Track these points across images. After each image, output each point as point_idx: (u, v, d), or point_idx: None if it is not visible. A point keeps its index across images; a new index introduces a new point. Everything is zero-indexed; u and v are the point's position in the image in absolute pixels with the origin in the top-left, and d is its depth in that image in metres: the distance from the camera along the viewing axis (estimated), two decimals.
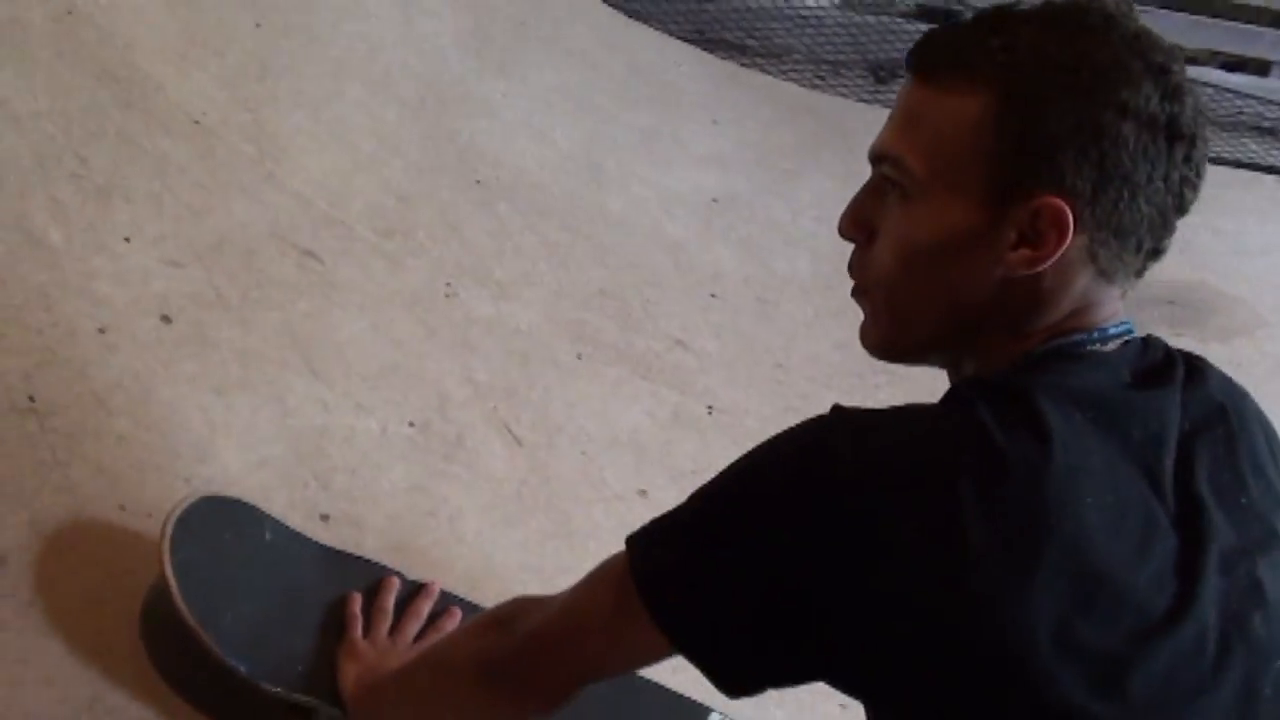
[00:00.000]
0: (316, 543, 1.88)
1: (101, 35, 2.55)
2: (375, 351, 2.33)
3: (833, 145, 4.05)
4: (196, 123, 2.53)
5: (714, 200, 3.44)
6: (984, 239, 1.24)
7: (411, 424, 2.25)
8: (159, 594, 1.66)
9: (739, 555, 1.18)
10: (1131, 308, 1.31)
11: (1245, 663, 1.17)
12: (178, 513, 1.72)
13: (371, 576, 1.87)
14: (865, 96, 5.04)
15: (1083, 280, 1.26)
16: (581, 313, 2.76)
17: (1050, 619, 1.09)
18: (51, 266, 2.05)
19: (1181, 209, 1.26)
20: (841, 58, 5.09)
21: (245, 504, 1.83)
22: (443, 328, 2.49)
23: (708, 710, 1.99)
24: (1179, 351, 1.33)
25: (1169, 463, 1.22)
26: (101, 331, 2.00)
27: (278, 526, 1.85)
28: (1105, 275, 1.26)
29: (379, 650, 1.75)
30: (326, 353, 2.26)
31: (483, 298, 2.62)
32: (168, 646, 1.70)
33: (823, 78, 4.94)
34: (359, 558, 1.90)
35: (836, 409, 1.21)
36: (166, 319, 2.10)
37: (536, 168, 3.15)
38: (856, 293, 1.37)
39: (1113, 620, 1.12)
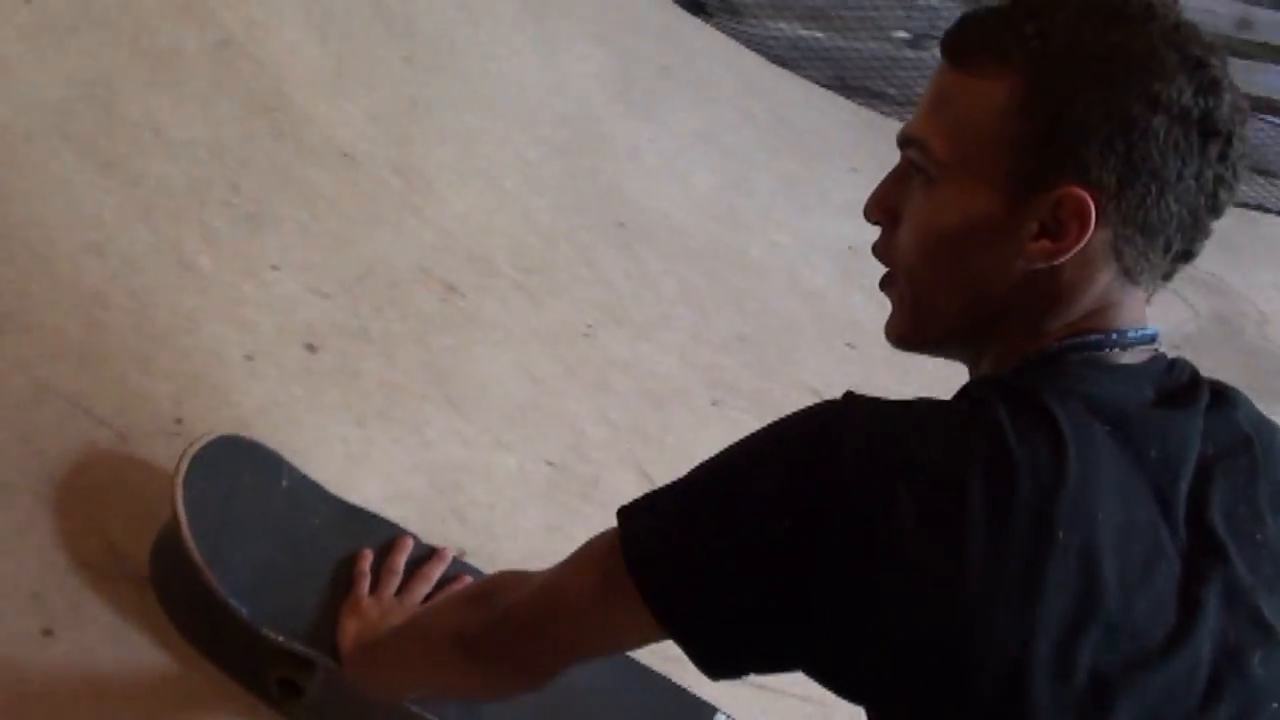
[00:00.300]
0: (334, 496, 1.85)
1: (255, 66, 2.59)
2: (514, 388, 2.33)
3: None
4: (345, 154, 2.55)
5: (851, 249, 3.41)
6: (1005, 228, 1.20)
7: (550, 463, 2.24)
8: (169, 529, 1.65)
9: (733, 535, 1.14)
10: None
11: (1237, 701, 1.12)
12: (195, 449, 1.70)
13: (385, 536, 1.84)
14: None
15: (1105, 278, 1.20)
16: (718, 358, 2.73)
17: (1048, 636, 1.06)
18: (201, 292, 2.07)
19: (1215, 210, 1.20)
20: None
21: (265, 448, 1.81)
22: (581, 367, 2.48)
23: (713, 710, 1.93)
24: (1208, 378, 1.27)
25: (1183, 487, 1.17)
26: (248, 358, 2.01)
27: (295, 475, 1.82)
28: (1129, 275, 1.21)
29: (383, 609, 1.71)
30: (466, 387, 2.25)
31: (620, 339, 2.61)
32: (174, 583, 1.67)
33: None
34: (374, 515, 1.87)
35: (849, 395, 1.16)
36: (311, 348, 2.11)
37: (677, 211, 3.14)
38: (884, 284, 1.33)
39: (1108, 645, 1.07)
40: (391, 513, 1.87)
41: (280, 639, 1.62)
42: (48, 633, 1.60)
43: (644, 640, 1.27)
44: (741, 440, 1.20)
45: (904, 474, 1.09)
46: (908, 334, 1.32)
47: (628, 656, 1.83)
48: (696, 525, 1.18)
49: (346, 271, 2.29)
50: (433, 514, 2.01)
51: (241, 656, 1.68)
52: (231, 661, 1.69)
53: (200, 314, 2.03)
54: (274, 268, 2.20)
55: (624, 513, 1.23)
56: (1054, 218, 1.18)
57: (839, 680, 1.16)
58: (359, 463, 1.99)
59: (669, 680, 1.88)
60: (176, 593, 1.69)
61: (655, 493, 1.23)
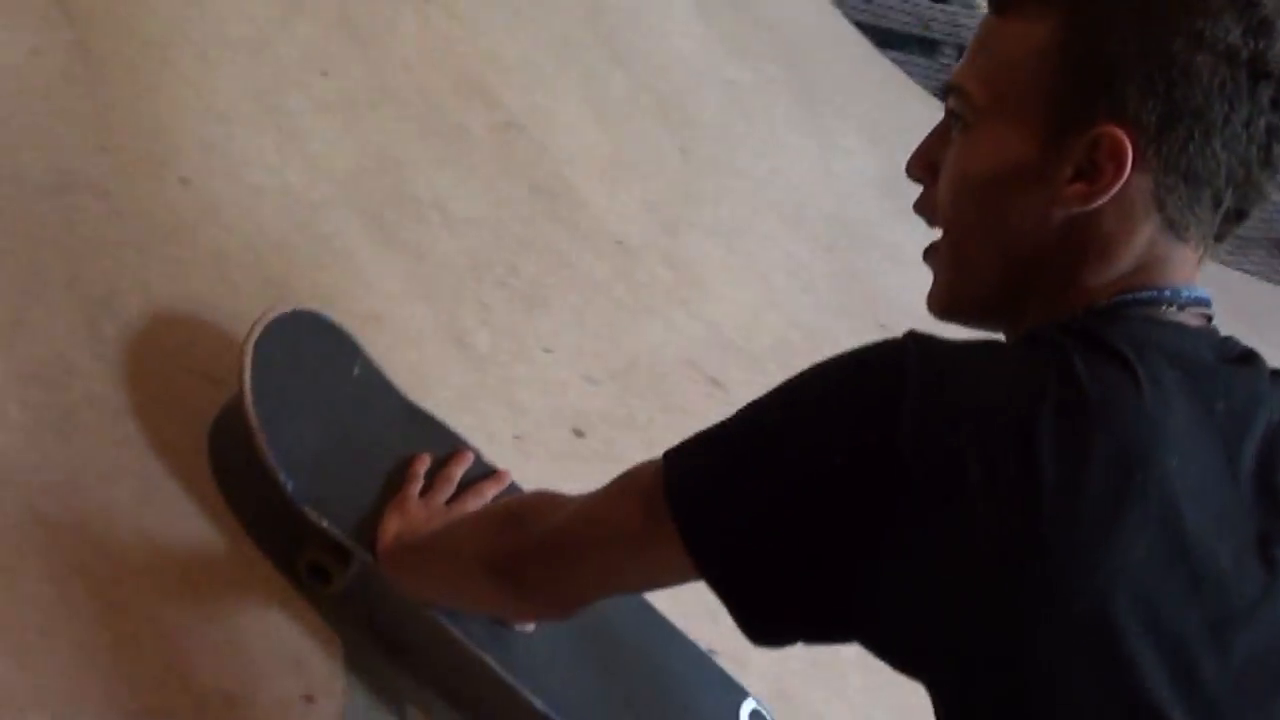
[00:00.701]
0: (402, 396, 1.80)
1: (537, 149, 2.61)
2: None
3: (1237, 326, 3.87)
4: (619, 242, 2.55)
5: None
6: (1041, 172, 1.14)
7: None
8: (234, 396, 1.61)
9: (785, 474, 1.07)
10: None
11: None
12: (273, 315, 1.67)
13: (446, 446, 1.78)
14: (1275, 277, 4.83)
15: (1147, 229, 1.13)
16: None
17: (1131, 578, 0.98)
18: (476, 369, 2.08)
19: (1269, 163, 1.12)
20: (1249, 235, 4.89)
21: (344, 332, 1.77)
22: None
23: (745, 694, 1.83)
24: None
25: (1250, 446, 1.08)
26: (517, 438, 2.01)
27: (369, 366, 1.78)
28: (1174, 229, 1.13)
29: (429, 514, 1.64)
30: None
31: None
32: (227, 447, 1.64)
33: (1230, 254, 4.75)
34: (439, 423, 1.81)
35: (911, 332, 1.09)
36: (579, 433, 2.10)
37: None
38: (926, 254, 1.26)
39: (1194, 595, 1.00)
40: (659, 604, 1.84)
41: (321, 522, 1.57)
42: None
43: (682, 580, 1.20)
44: (796, 376, 1.13)
45: (970, 414, 1.03)
46: (948, 300, 1.25)
47: (673, 626, 1.80)
48: (745, 462, 1.11)
49: (616, 359, 2.29)
50: (692, 611, 1.97)
51: (278, 533, 1.63)
52: (268, 537, 1.64)
53: (473, 391, 2.04)
54: (546, 350, 2.20)
55: (670, 451, 1.17)
56: (1090, 160, 1.11)
57: (895, 645, 1.09)
58: None
59: (709, 657, 1.82)
60: (228, 456, 1.65)
61: (704, 431, 1.16)
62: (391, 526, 1.60)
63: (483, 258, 2.27)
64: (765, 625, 1.12)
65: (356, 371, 1.77)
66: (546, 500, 1.41)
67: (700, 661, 1.83)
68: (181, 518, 1.60)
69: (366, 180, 2.19)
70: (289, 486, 1.57)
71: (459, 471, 1.74)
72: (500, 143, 2.55)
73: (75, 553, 1.48)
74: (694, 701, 1.79)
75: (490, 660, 1.57)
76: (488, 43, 2.73)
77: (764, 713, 1.83)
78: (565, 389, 2.16)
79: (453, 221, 2.27)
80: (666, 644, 1.81)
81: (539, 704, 1.57)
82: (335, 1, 2.42)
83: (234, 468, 1.65)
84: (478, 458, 1.79)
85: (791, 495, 1.07)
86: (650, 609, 1.80)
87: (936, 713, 1.11)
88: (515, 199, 2.46)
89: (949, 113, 1.22)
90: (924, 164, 1.25)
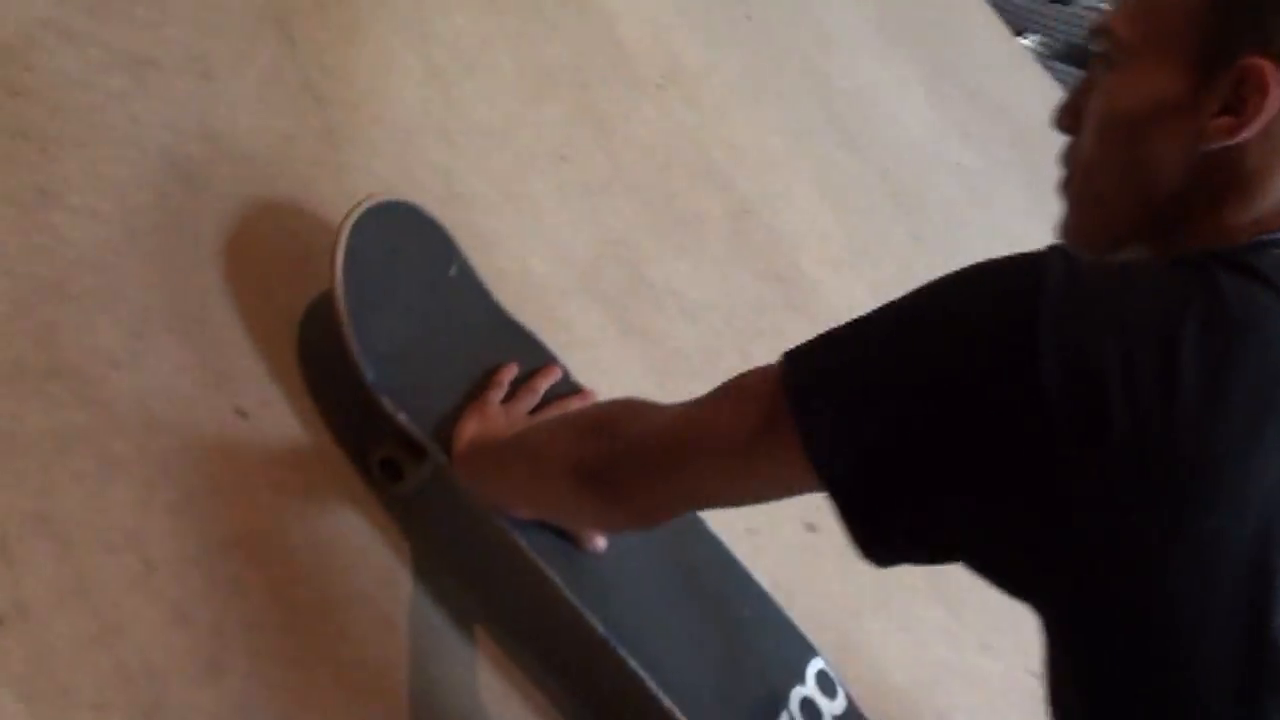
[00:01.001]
0: (496, 303, 1.76)
1: (770, 235, 2.61)
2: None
3: None
4: None
5: None
6: (1187, 107, 1.11)
7: (1032, 673, 2.13)
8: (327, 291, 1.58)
9: (915, 375, 1.04)
10: None
11: None
12: (373, 202, 1.63)
13: (536, 360, 1.74)
14: None
15: None
16: None
17: (1265, 499, 0.95)
18: None
19: None
20: None
21: (443, 230, 1.73)
22: None
23: (814, 653, 1.77)
24: None
25: None
26: (750, 531, 1.99)
27: (466, 268, 1.73)
28: None
29: (510, 421, 1.60)
30: (959, 587, 2.18)
31: None
32: (315, 334, 1.61)
33: None
34: (530, 335, 1.77)
35: (1055, 246, 1.06)
36: (811, 527, 2.08)
37: None
38: (1060, 188, 1.25)
39: None
40: (883, 708, 1.81)
41: (398, 414, 1.54)
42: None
43: (786, 493, 1.17)
44: (928, 284, 1.09)
45: (1112, 326, 0.99)
46: (1079, 232, 1.23)
47: (752, 577, 1.76)
48: (874, 362, 1.08)
49: None
50: (915, 715, 1.94)
51: (355, 425, 1.60)
52: (345, 429, 1.61)
53: None
54: None
55: (791, 351, 1.14)
56: (1236, 94, 1.09)
57: (1018, 570, 1.06)
58: (851, 653, 1.94)
59: (783, 611, 1.77)
60: (315, 344, 1.63)
61: (828, 334, 1.12)
62: (469, 429, 1.58)
63: (716, 345, 2.27)
64: (880, 535, 1.10)
65: (453, 272, 1.74)
66: (639, 406, 1.37)
67: (774, 614, 1.78)
68: (262, 405, 1.58)
69: (605, 266, 2.21)
70: (369, 375, 1.54)
71: (544, 385, 1.71)
72: (735, 229, 2.55)
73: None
74: (760, 650, 1.73)
75: (555, 576, 1.53)
76: (724, 130, 2.74)
77: (830, 674, 1.77)
78: None
79: (688, 308, 2.28)
80: (742, 592, 1.77)
81: (599, 626, 1.52)
82: (577, 90, 2.45)
83: (319, 356, 1.63)
84: (565, 375, 1.76)
85: (922, 400, 1.05)
86: (731, 558, 1.78)
87: (1049, 637, 1.09)
88: (749, 285, 2.46)
89: (1095, 57, 1.21)
90: (1069, 112, 1.25)
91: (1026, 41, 4.93)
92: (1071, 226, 1.25)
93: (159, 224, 1.62)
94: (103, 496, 1.38)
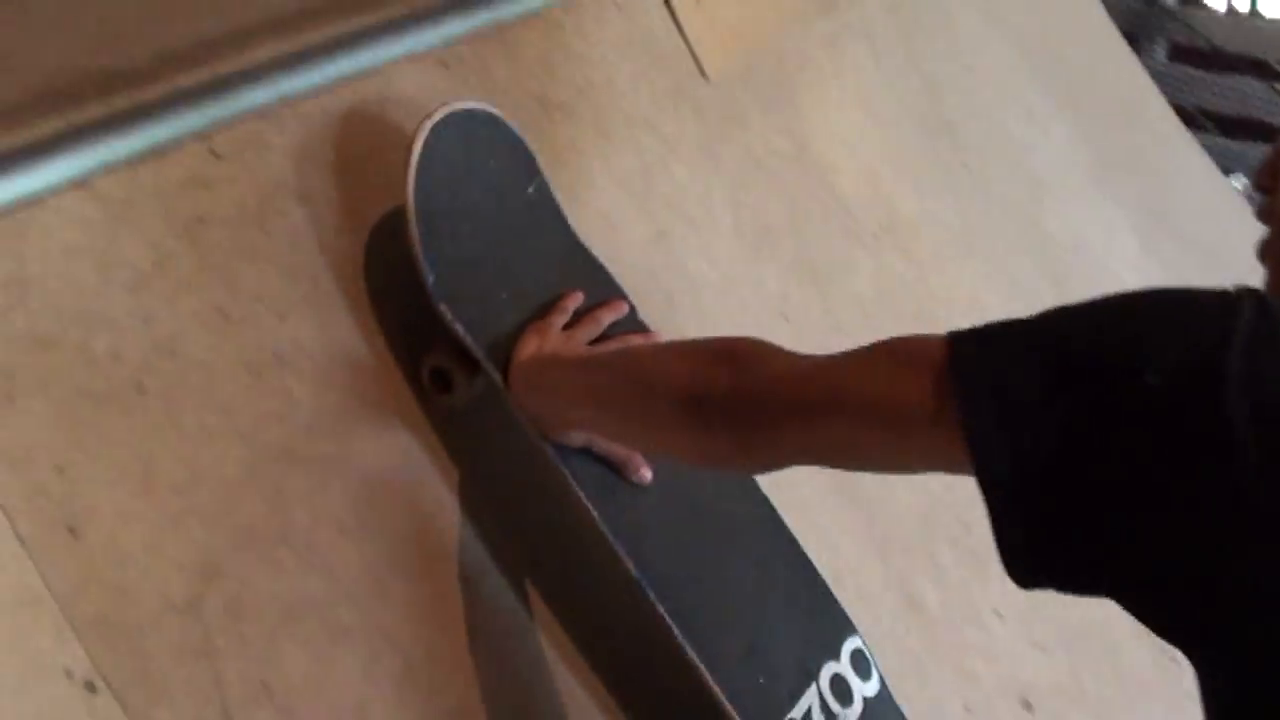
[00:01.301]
0: (570, 228, 1.71)
1: None
2: None
3: None
4: None
5: None
6: None
7: None
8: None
9: (1093, 385, 0.98)
10: None
11: None
12: (460, 106, 1.59)
13: (604, 292, 1.69)
14: None
15: None
16: None
17: None
18: (925, 632, 2.03)
19: None
20: None
21: (527, 148, 1.69)
22: None
23: (852, 629, 1.69)
24: None
25: None
26: (967, 709, 1.95)
27: (545, 189, 1.68)
28: None
29: (570, 346, 1.56)
30: None
31: None
32: (384, 235, 1.58)
33: None
34: (602, 267, 1.72)
35: (1252, 292, 0.98)
36: (1028, 705, 2.03)
37: None
38: (1260, 248, 1.20)
39: None
40: None
41: (455, 324, 1.50)
42: None
43: (925, 470, 1.13)
44: (1110, 296, 1.04)
45: None
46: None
47: (803, 551, 1.71)
48: (1050, 364, 1.02)
49: (1068, 626, 2.20)
50: None
51: (410, 329, 1.57)
52: (399, 333, 1.58)
53: (925, 657, 1.99)
54: (997, 614, 2.14)
55: (960, 335, 1.08)
56: None
57: (1175, 612, 0.98)
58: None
59: (828, 587, 1.71)
60: (383, 251, 1.60)
61: (1001, 323, 1.07)
62: (528, 348, 1.55)
63: (934, 513, 2.23)
64: (1028, 556, 1.03)
65: (531, 191, 1.71)
66: (770, 347, 1.31)
67: (818, 589, 1.73)
68: (320, 311, 1.56)
69: None
70: (429, 280, 1.52)
71: (609, 318, 1.67)
72: None
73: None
74: (796, 619, 1.68)
75: (594, 510, 1.51)
76: (939, 281, 2.71)
77: (866, 654, 1.71)
78: (1016, 657, 2.10)
79: (907, 476, 2.24)
80: (790, 563, 1.72)
81: (632, 568, 1.50)
82: (795, 246, 2.44)
83: (384, 262, 1.61)
84: (632, 311, 1.72)
85: (1099, 409, 0.99)
86: (779, 520, 1.73)
87: (1204, 685, 1.02)
88: None
89: None
90: (1271, 172, 1.21)
91: (1236, 184, 4.84)
92: (1275, 285, 1.21)
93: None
94: (328, 664, 1.38)
